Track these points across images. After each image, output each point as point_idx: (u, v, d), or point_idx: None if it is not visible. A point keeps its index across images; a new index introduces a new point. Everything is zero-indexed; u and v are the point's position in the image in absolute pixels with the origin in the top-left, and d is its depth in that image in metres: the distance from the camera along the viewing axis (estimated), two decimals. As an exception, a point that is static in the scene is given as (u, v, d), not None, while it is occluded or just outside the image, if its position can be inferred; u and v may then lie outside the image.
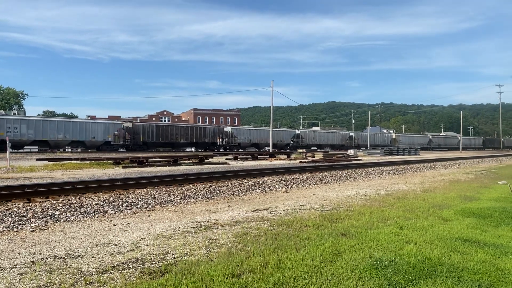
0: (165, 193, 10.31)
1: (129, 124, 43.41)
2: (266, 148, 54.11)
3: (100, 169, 19.28)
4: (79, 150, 40.32)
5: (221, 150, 49.10)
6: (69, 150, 40.84)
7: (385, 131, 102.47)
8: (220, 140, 50.60)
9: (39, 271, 4.03)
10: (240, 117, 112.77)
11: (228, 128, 52.42)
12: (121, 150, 41.28)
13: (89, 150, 40.00)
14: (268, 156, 34.22)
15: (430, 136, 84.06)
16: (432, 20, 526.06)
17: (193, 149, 49.13)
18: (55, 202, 8.53)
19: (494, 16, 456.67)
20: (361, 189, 11.99)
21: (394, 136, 73.37)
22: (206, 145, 49.17)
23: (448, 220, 6.82)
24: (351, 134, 67.46)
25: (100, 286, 3.64)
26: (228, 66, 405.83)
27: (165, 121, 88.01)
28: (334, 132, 68.69)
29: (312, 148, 56.24)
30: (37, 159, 23.60)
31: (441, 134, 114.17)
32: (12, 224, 6.49)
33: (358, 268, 4.05)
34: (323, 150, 55.42)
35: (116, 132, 41.23)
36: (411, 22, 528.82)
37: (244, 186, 12.30)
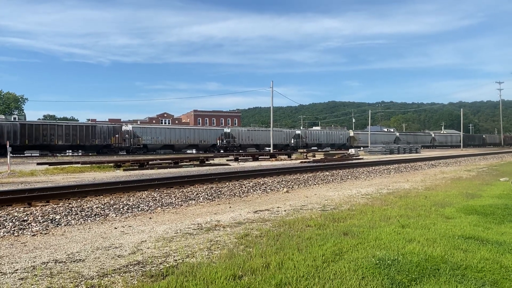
0: (166, 195, 10.29)
1: None
2: (188, 151, 46.92)
3: (101, 172, 19.27)
4: None
5: (121, 153, 41.10)
6: None
7: (385, 130, 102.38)
8: (117, 141, 41.56)
9: (40, 276, 4.01)
10: (240, 118, 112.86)
11: (128, 127, 42.95)
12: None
13: None
14: (269, 157, 34.35)
15: (398, 134, 78.55)
16: (432, 18, 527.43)
17: (80, 153, 39.87)
18: (55, 206, 8.52)
19: (494, 13, 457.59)
20: (362, 188, 11.96)
21: (351, 134, 67.53)
22: (97, 148, 40.39)
23: (450, 218, 6.79)
24: (298, 132, 60.27)
25: (101, 289, 3.62)
26: (228, 68, 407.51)
27: (165, 123, 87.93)
28: (276, 130, 61.28)
29: (248, 149, 50.09)
30: (38, 163, 23.58)
31: (413, 131, 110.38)
32: (12, 229, 6.47)
33: (360, 267, 4.02)
34: (256, 151, 48.77)
35: None
36: (410, 20, 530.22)
37: (245, 187, 12.27)
